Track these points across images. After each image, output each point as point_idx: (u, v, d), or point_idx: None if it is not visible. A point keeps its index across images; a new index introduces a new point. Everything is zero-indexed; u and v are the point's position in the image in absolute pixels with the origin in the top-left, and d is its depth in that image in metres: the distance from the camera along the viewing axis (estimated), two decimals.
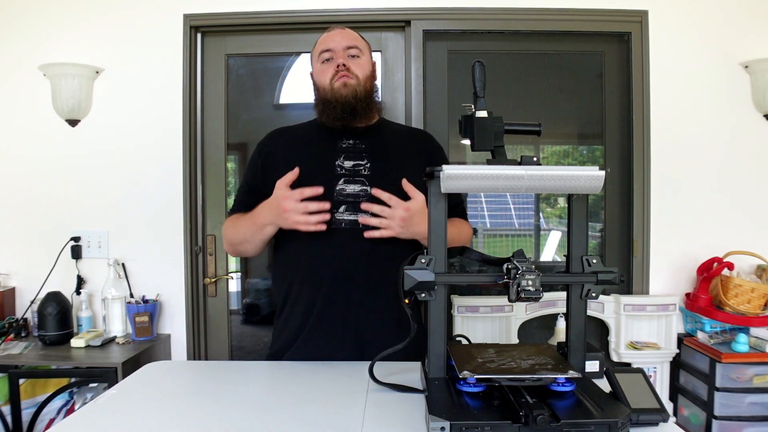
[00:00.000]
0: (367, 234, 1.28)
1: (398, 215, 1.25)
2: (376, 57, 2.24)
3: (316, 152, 1.41)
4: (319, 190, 1.25)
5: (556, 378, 0.90)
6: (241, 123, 2.32)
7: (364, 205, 1.29)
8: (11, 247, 2.24)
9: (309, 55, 1.51)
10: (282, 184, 1.26)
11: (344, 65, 1.39)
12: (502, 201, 2.41)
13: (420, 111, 2.18)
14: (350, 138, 1.42)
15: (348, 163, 1.38)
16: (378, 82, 2.21)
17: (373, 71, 1.47)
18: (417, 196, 1.27)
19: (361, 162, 1.39)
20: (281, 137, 1.49)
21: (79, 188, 2.22)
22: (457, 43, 2.24)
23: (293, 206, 1.24)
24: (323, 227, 1.26)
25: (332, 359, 1.29)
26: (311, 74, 1.49)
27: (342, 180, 1.36)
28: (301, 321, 1.36)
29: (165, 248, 2.20)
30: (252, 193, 1.45)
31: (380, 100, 1.49)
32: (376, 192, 1.28)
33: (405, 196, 1.32)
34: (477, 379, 0.89)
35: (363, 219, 1.28)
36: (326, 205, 1.26)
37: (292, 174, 1.27)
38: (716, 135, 2.19)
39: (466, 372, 0.89)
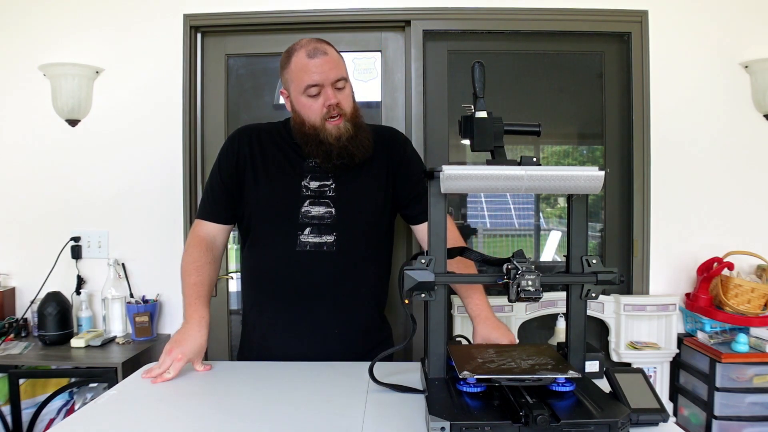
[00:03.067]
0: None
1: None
2: (376, 57, 2.25)
3: (284, 171, 1.38)
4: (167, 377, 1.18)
5: (556, 378, 0.90)
6: (241, 123, 2.30)
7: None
8: (11, 247, 2.24)
9: (282, 72, 1.37)
10: (180, 357, 1.20)
11: (337, 105, 1.30)
12: (502, 201, 2.41)
13: (420, 111, 2.18)
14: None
15: (314, 184, 1.37)
16: (378, 84, 2.22)
17: (356, 104, 1.39)
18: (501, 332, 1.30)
19: (326, 183, 1.37)
20: (252, 141, 1.42)
21: (79, 188, 2.22)
22: (457, 43, 2.24)
23: (161, 364, 1.18)
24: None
25: None
26: (287, 98, 1.38)
27: (307, 202, 1.36)
28: (266, 334, 1.40)
29: (165, 248, 2.20)
30: (225, 198, 1.41)
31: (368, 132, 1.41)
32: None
33: (369, 220, 1.38)
34: (477, 379, 0.89)
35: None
36: (167, 377, 1.17)
37: (203, 370, 1.23)
38: (716, 135, 2.19)
39: (466, 372, 0.89)
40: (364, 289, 1.40)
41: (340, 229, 1.35)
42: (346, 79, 1.34)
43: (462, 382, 0.91)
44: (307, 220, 1.34)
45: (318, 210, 1.35)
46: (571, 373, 0.90)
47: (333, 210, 1.35)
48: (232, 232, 1.50)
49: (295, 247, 1.34)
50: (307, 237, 1.35)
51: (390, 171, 1.44)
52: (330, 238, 1.35)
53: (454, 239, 1.38)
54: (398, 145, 1.48)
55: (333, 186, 1.37)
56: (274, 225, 1.37)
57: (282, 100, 1.42)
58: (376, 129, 1.48)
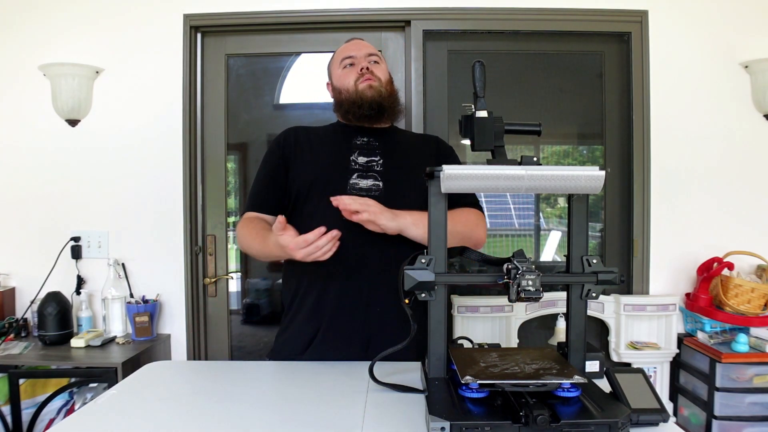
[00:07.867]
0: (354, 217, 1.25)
1: (373, 205, 1.25)
2: None
3: (331, 149, 1.46)
4: (321, 230, 1.20)
5: (561, 384, 0.88)
6: (241, 123, 2.32)
7: (334, 200, 1.26)
8: (11, 247, 2.24)
9: (327, 65, 1.57)
10: (285, 241, 1.21)
11: (368, 68, 1.46)
12: (502, 201, 2.41)
13: (420, 111, 2.18)
14: (365, 136, 1.47)
15: (362, 159, 1.42)
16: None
17: (392, 79, 1.54)
18: (366, 201, 1.26)
19: (374, 159, 1.43)
20: (299, 133, 1.51)
21: (79, 188, 2.22)
22: (457, 43, 2.24)
23: (303, 253, 1.20)
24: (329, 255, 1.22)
25: (340, 354, 1.30)
26: (329, 84, 1.56)
27: (355, 175, 1.40)
28: (309, 317, 1.38)
29: (165, 248, 2.20)
30: (272, 187, 1.46)
31: (402, 104, 1.55)
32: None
33: (414, 197, 1.34)
34: (480, 384, 0.88)
35: (336, 200, 1.25)
36: (335, 235, 1.21)
37: (307, 241, 1.21)
38: (716, 135, 2.19)
39: (468, 377, 0.88)
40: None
41: (387, 202, 1.34)
42: (380, 59, 1.51)
43: (465, 388, 0.90)
44: (354, 192, 1.37)
45: (366, 183, 1.39)
46: (577, 378, 0.88)
47: (380, 183, 1.39)
48: None
49: (343, 218, 1.31)
50: None
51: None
52: None
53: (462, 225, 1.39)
54: (446, 147, 1.59)
55: (381, 162, 1.42)
56: (322, 198, 1.36)
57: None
58: (423, 134, 1.68)
